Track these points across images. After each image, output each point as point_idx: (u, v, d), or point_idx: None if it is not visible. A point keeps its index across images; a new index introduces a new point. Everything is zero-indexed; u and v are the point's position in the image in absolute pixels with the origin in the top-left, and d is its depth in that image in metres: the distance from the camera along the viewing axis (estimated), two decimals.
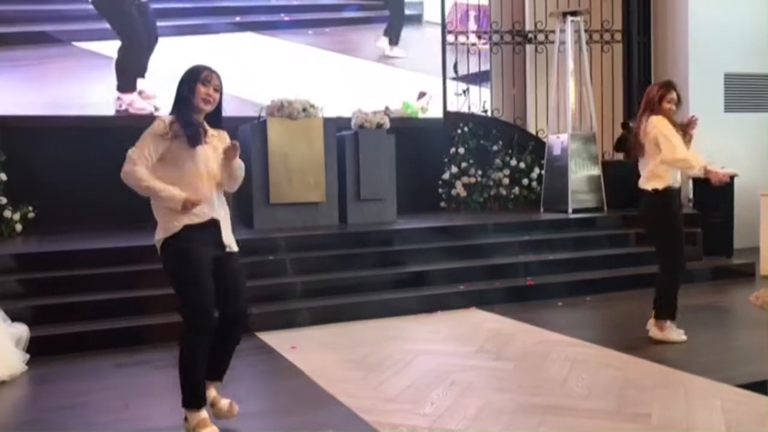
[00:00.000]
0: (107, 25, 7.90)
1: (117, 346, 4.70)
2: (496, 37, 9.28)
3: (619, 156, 8.10)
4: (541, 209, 8.42)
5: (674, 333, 4.59)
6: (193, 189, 3.19)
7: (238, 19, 8.61)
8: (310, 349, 4.63)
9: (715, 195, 7.64)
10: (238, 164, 3.31)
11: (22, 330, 4.42)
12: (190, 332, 3.18)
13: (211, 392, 3.41)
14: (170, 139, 3.16)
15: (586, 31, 8.63)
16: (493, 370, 4.07)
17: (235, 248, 3.36)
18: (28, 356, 4.34)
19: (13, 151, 7.21)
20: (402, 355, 4.41)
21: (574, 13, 8.38)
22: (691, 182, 8.01)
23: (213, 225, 3.26)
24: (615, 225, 7.49)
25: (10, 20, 7.68)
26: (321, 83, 8.36)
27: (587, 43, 8.65)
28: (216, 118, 3.32)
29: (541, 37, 9.22)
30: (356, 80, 8.88)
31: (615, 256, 6.83)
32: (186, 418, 3.25)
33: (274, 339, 4.88)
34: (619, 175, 7.70)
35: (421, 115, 9.12)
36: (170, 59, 7.97)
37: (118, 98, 7.88)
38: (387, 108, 7.60)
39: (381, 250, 6.36)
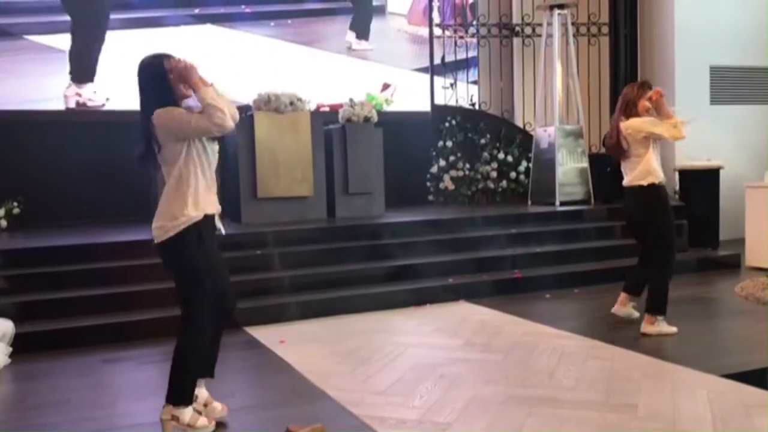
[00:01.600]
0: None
1: (103, 342, 4.68)
2: (483, 30, 9.27)
3: None
4: (529, 202, 8.44)
5: (665, 325, 4.63)
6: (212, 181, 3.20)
7: (197, 11, 8.52)
8: (299, 344, 4.62)
9: (700, 187, 7.71)
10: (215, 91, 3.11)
11: (7, 326, 4.40)
12: (199, 325, 3.15)
13: (204, 392, 3.35)
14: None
15: (573, 24, 8.64)
16: (482, 363, 4.08)
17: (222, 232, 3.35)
18: (11, 349, 4.31)
19: None
20: (391, 349, 4.42)
21: (561, 6, 8.38)
22: (677, 174, 8.06)
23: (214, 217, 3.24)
24: (602, 217, 7.52)
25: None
26: (284, 76, 8.26)
27: (574, 36, 8.66)
28: None
29: (528, 30, 9.22)
30: (320, 72, 8.84)
31: (602, 249, 6.86)
32: (173, 418, 3.13)
33: (262, 333, 4.87)
34: (606, 168, 7.71)
35: (386, 108, 9.09)
36: (127, 53, 7.86)
37: (77, 93, 7.75)
38: (351, 100, 7.57)
39: (369, 244, 6.35)
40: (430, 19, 9.11)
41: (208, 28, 8.54)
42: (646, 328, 4.60)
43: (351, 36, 9.10)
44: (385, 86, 9.15)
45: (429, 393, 3.58)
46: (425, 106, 9.07)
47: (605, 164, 7.88)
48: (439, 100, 9.10)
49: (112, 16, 8.09)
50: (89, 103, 7.80)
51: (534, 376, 3.82)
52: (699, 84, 8.62)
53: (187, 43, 8.30)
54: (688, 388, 3.52)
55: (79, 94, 7.76)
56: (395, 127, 8.16)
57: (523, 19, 9.24)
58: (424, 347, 4.45)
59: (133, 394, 3.80)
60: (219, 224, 3.29)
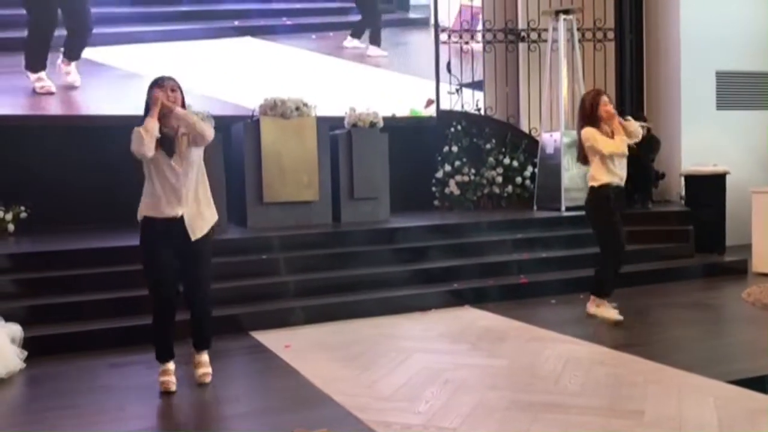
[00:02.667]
0: (102, 30, 7.83)
1: (111, 346, 4.69)
2: (489, 36, 9.29)
3: None
4: (535, 207, 8.43)
5: (610, 311, 5.09)
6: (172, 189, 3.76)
7: (236, 23, 8.52)
8: (304, 348, 4.63)
9: (706, 192, 7.69)
10: (177, 114, 3.66)
11: (15, 330, 4.41)
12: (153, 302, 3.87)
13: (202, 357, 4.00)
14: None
15: (578, 29, 8.64)
16: (487, 368, 4.08)
17: (200, 235, 3.79)
18: (26, 353, 4.33)
19: (4, 151, 7.18)
20: (396, 354, 4.42)
21: (566, 12, 8.38)
22: (683, 180, 8.05)
23: (178, 220, 3.75)
24: None
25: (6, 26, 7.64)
26: (325, 89, 8.21)
27: (580, 41, 8.66)
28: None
29: (533, 35, 9.23)
30: (361, 86, 8.71)
31: None
32: None
33: (267, 338, 4.88)
34: None
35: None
36: (167, 65, 7.82)
37: (38, 78, 7.60)
38: (393, 115, 7.58)
39: (374, 249, 6.36)
40: (436, 25, 9.13)
41: (248, 40, 8.49)
42: (589, 308, 5.16)
43: (354, 41, 9.06)
44: (429, 102, 9.12)
45: (434, 398, 3.58)
46: (431, 111, 9.09)
47: None
48: (445, 105, 9.12)
49: (153, 28, 8.09)
50: (39, 87, 7.61)
51: (539, 381, 3.82)
52: (705, 89, 8.60)
53: (227, 55, 8.28)
54: (694, 394, 3.51)
55: (40, 78, 7.58)
56: (401, 132, 8.17)
57: (528, 24, 9.25)
58: (430, 352, 4.46)
59: (141, 398, 3.81)
60: (189, 230, 3.76)
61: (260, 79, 8.24)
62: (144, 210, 3.79)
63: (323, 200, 7.20)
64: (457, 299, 5.83)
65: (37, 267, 5.40)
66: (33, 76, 7.59)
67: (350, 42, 8.95)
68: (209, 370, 3.97)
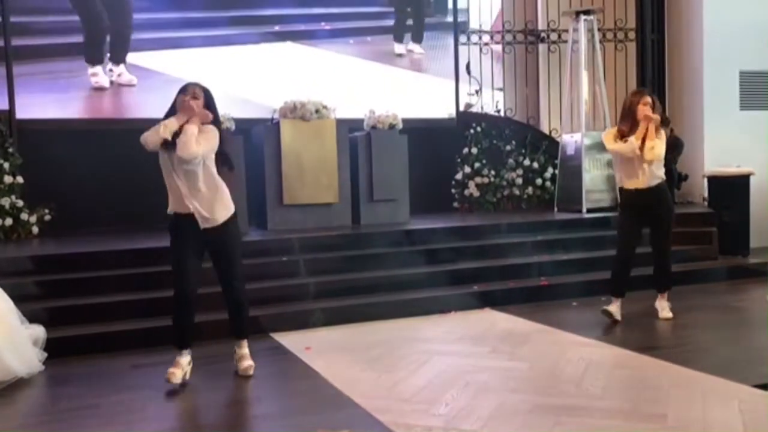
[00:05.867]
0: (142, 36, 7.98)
1: (133, 347, 4.73)
2: (508, 37, 9.26)
3: None
4: (555, 209, 8.39)
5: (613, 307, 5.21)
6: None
7: (277, 28, 8.56)
8: (325, 350, 4.64)
9: (730, 194, 7.59)
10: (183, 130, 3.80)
11: (38, 331, 4.46)
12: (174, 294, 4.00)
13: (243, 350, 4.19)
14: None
15: (599, 29, 8.58)
16: (508, 371, 4.06)
17: (221, 221, 3.95)
18: (45, 354, 4.38)
19: (29, 154, 7.27)
20: (416, 356, 4.42)
21: (587, 12, 8.33)
22: (706, 181, 7.95)
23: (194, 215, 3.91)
24: None
25: (45, 32, 7.82)
26: (362, 94, 8.27)
27: (600, 41, 8.60)
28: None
29: (554, 36, 9.19)
30: (383, 88, 8.77)
31: None
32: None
33: (288, 340, 4.90)
34: None
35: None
36: (208, 70, 7.98)
37: (94, 73, 7.82)
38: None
39: (394, 251, 6.36)
40: (455, 26, 9.10)
41: (288, 45, 8.59)
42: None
43: (401, 46, 9.19)
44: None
45: (455, 400, 3.57)
46: (450, 113, 9.07)
47: None
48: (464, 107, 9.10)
49: (192, 34, 8.23)
50: (116, 78, 7.90)
51: (561, 384, 3.79)
52: (728, 89, 8.48)
53: (266, 60, 8.37)
54: (718, 398, 3.47)
55: (95, 74, 7.85)
56: (420, 133, 8.16)
57: (548, 25, 9.21)
58: (450, 355, 4.44)
59: (163, 398, 3.84)
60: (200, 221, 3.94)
61: (281, 81, 8.30)
62: (173, 207, 4.03)
63: (343, 202, 7.22)
64: (478, 301, 5.81)
65: (61, 269, 5.45)
66: (90, 70, 7.83)
67: (400, 48, 9.15)
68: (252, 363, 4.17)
